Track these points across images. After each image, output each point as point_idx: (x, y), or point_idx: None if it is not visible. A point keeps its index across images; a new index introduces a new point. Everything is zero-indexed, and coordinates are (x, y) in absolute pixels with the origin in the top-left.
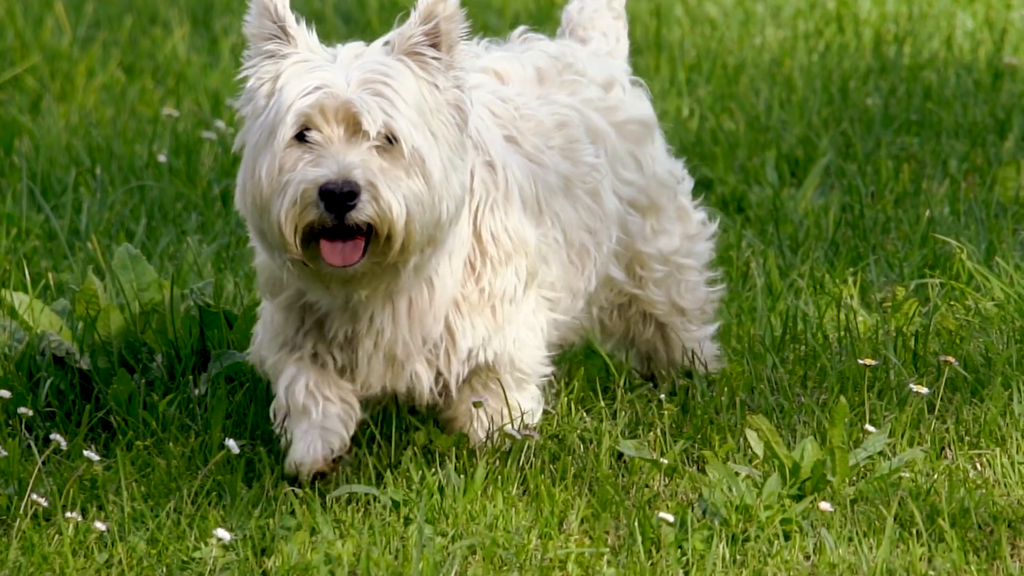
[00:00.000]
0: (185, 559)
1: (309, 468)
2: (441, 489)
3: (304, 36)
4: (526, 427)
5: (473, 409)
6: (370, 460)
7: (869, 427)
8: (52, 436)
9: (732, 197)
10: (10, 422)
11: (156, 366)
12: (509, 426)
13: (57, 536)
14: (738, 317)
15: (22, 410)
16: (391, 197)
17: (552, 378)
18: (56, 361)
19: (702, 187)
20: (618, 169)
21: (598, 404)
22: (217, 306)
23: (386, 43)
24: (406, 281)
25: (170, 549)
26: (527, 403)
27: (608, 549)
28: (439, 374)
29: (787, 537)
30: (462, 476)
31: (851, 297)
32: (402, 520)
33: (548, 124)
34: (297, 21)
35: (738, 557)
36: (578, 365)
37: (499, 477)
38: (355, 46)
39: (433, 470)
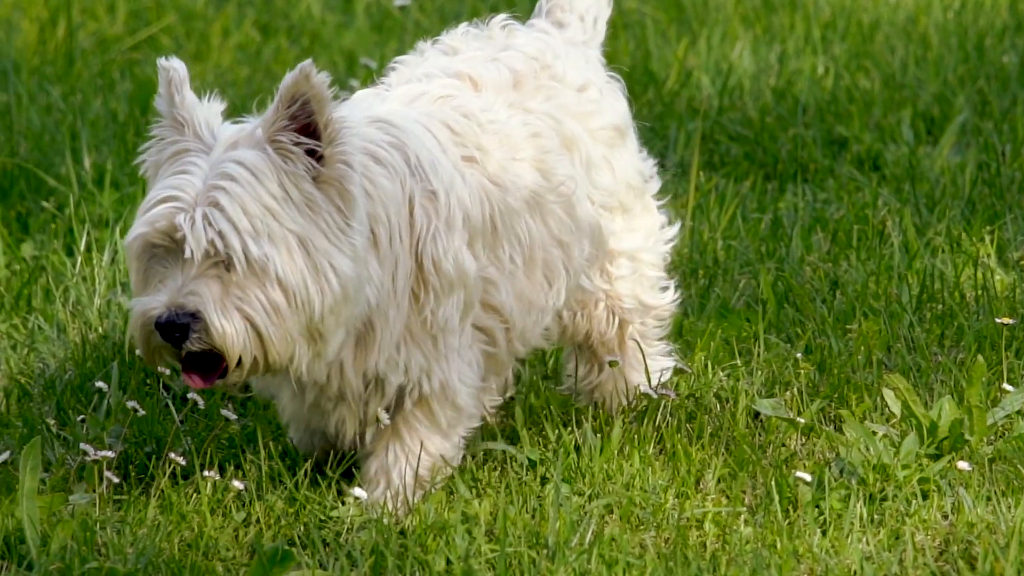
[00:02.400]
0: (323, 518)
1: None
2: (578, 448)
3: (195, 118)
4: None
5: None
6: (519, 418)
7: (1007, 386)
8: (189, 395)
9: (867, 156)
10: (148, 381)
11: None
12: (423, 474)
13: (195, 495)
14: (875, 276)
15: (160, 369)
16: (224, 324)
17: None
18: None
19: (837, 146)
20: (592, 175)
21: (735, 363)
22: None
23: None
24: (324, 359)
25: (307, 508)
26: (449, 449)
27: (745, 508)
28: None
29: (925, 496)
30: (599, 435)
31: (988, 256)
32: (539, 479)
33: (518, 136)
34: (201, 94)
35: (875, 516)
36: (716, 324)
37: (635, 436)
38: (234, 133)
39: (570, 429)
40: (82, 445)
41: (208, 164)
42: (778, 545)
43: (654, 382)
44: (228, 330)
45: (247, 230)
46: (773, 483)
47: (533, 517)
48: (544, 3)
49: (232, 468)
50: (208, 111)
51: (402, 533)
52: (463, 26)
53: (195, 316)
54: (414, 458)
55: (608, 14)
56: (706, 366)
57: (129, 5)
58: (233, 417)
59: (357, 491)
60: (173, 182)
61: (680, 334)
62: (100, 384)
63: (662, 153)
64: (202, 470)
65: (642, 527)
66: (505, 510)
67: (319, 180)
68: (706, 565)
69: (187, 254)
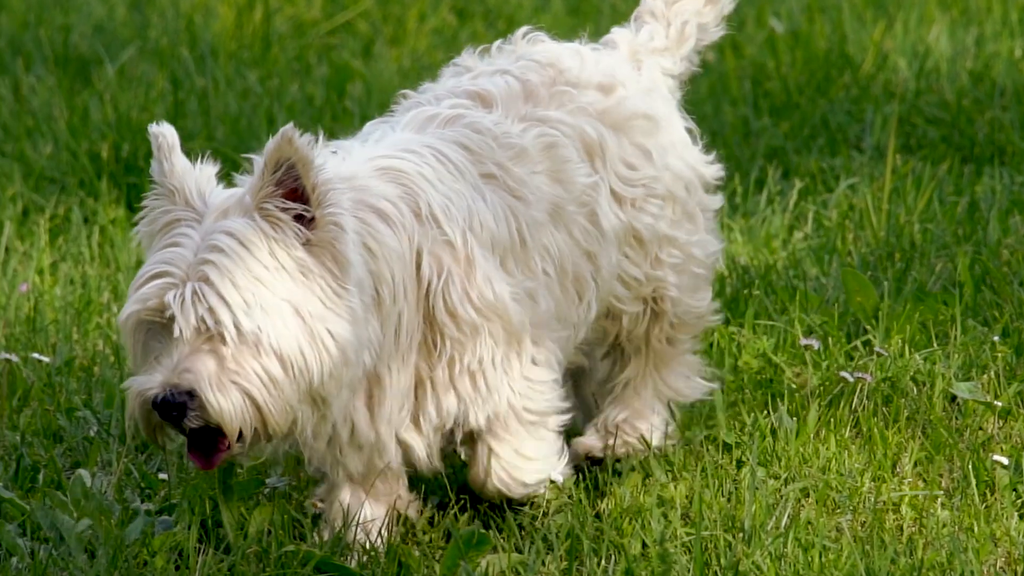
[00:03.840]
0: (518, 501)
1: None
2: (773, 432)
3: (186, 185)
4: (550, 481)
5: (486, 461)
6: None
7: None
8: None
9: None
10: None
11: None
12: (524, 476)
13: None
14: None
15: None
16: (220, 400)
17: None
18: None
19: None
20: (622, 171)
21: (931, 346)
22: None
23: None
24: (329, 420)
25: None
26: (541, 450)
27: (942, 492)
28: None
29: None
30: (795, 419)
31: None
32: (734, 463)
33: (533, 149)
34: (193, 156)
35: None
36: (913, 307)
37: (831, 420)
38: (224, 200)
39: (765, 413)
40: None
41: (199, 235)
42: (975, 529)
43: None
44: (225, 406)
45: (237, 303)
46: (970, 467)
47: (729, 501)
48: (641, 4)
49: None
50: (200, 176)
51: (598, 516)
52: (497, 43)
53: (191, 394)
54: (506, 453)
55: (714, 22)
56: (903, 349)
57: None
58: None
59: (554, 475)
60: (164, 256)
61: (876, 318)
62: None
63: (858, 136)
64: None
65: (838, 511)
66: (701, 493)
67: (311, 244)
68: (903, 549)
69: (176, 333)
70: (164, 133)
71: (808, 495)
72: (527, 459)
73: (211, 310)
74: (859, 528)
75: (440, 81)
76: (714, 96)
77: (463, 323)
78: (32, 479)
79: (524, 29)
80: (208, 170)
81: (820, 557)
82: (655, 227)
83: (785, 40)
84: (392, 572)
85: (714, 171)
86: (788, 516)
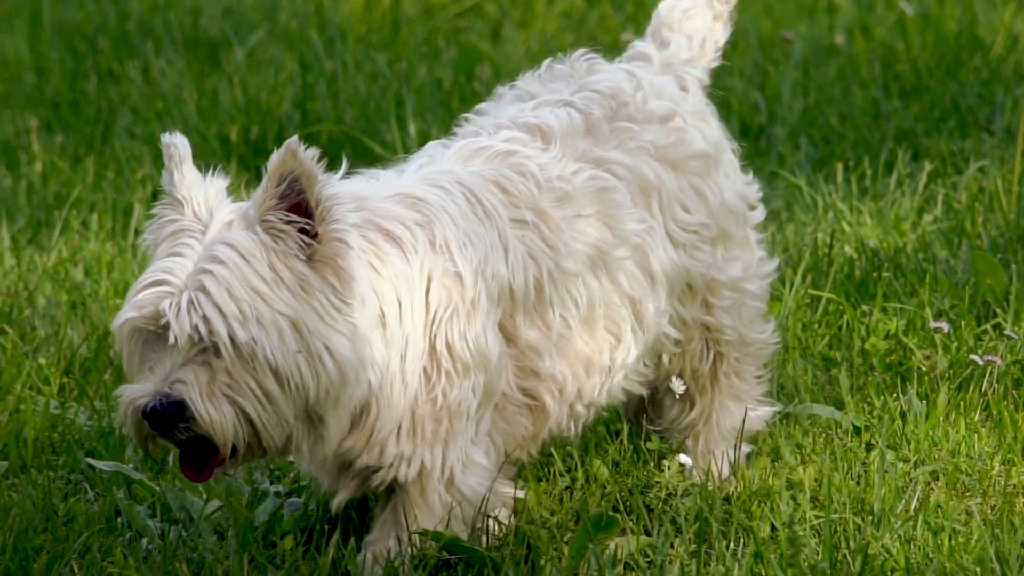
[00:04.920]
0: (646, 484)
1: None
2: (903, 415)
3: (194, 197)
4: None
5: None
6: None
7: None
8: None
9: None
10: None
11: None
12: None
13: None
14: None
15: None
16: (211, 412)
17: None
18: None
19: None
20: (678, 214)
21: None
22: None
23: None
24: (328, 442)
25: (631, 474)
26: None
27: None
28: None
29: None
30: (924, 402)
31: None
32: (863, 446)
33: (582, 193)
34: (202, 167)
35: None
36: None
37: (961, 403)
38: (229, 212)
39: (895, 396)
40: None
41: (202, 246)
42: None
43: (749, 424)
44: (216, 418)
45: (233, 314)
46: None
47: (858, 484)
48: (654, 23)
49: None
50: (209, 189)
51: (726, 499)
52: (546, 62)
53: (182, 405)
54: (404, 533)
55: (723, 38)
56: None
57: None
58: None
59: (682, 458)
60: (164, 264)
61: (1007, 301)
62: None
63: (988, 119)
64: None
65: (968, 494)
66: (830, 476)
67: (313, 258)
68: None
69: (171, 340)
70: (176, 143)
71: (938, 478)
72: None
73: (206, 319)
74: (989, 512)
75: (500, 104)
76: (843, 79)
77: (459, 360)
78: (162, 460)
79: (581, 51)
80: (218, 183)
81: (949, 540)
82: (705, 273)
83: (915, 22)
84: (520, 554)
85: (753, 191)
86: (917, 499)
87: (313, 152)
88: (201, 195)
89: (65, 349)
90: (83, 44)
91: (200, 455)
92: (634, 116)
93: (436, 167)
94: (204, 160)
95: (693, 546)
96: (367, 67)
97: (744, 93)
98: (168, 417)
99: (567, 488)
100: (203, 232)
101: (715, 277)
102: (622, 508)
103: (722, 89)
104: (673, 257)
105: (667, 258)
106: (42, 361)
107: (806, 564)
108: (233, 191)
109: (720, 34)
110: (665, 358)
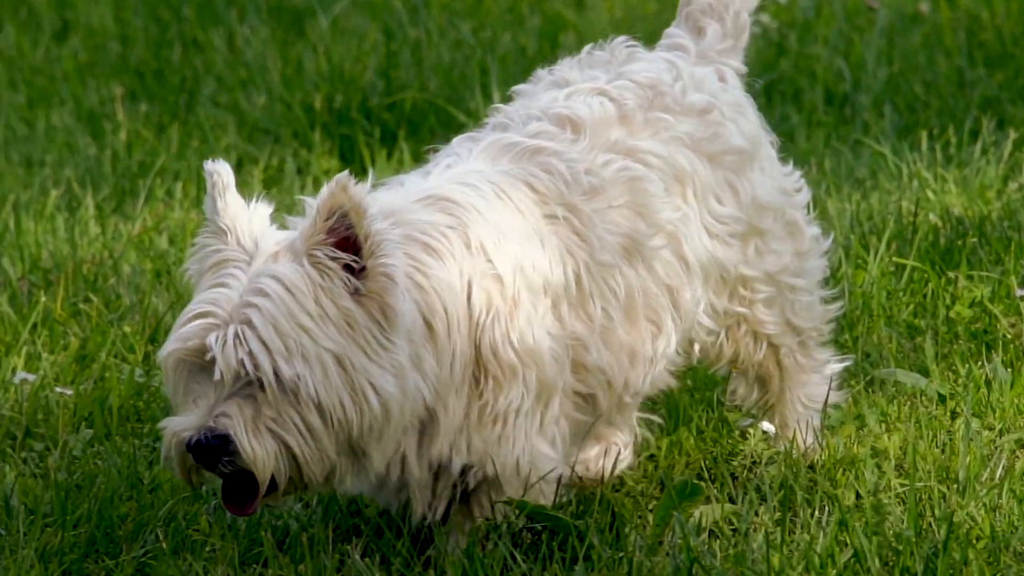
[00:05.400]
0: (731, 452)
1: None
2: (988, 383)
3: (238, 226)
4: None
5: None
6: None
7: None
8: None
9: None
10: None
11: None
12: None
13: None
14: None
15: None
16: (255, 446)
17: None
18: None
19: None
20: (712, 205)
21: None
22: None
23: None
24: (371, 472)
25: (717, 444)
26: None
27: None
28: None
29: None
30: (1009, 369)
31: None
32: (948, 414)
33: (613, 184)
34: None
35: None
36: None
37: None
38: (276, 242)
39: (980, 364)
40: None
41: (247, 277)
42: None
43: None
44: (259, 452)
45: (279, 350)
46: None
47: (943, 452)
48: (682, 7)
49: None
50: (253, 216)
51: (811, 468)
52: (587, 48)
53: (226, 439)
54: (487, 507)
55: (753, 4)
56: None
57: None
58: None
59: (765, 425)
60: (209, 296)
61: None
62: None
63: None
64: None
65: None
66: (915, 444)
67: (359, 295)
68: None
69: (216, 375)
70: (220, 171)
71: (1023, 446)
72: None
73: (251, 354)
74: None
75: (535, 89)
76: (928, 47)
77: (504, 364)
78: None
79: (622, 39)
80: (262, 210)
81: None
82: (736, 267)
83: None
84: (605, 522)
85: (793, 180)
86: (1003, 467)
87: (363, 187)
88: (245, 223)
89: (150, 317)
90: (167, 12)
91: (243, 488)
92: (671, 107)
93: (464, 167)
94: (289, 128)
95: (777, 514)
96: (451, 35)
97: (829, 61)
98: (212, 451)
99: (652, 456)
100: (248, 262)
101: (744, 272)
102: (707, 476)
103: (807, 57)
104: (708, 246)
105: (701, 247)
106: (127, 329)
107: (891, 532)
108: (318, 159)
109: (745, 24)
110: (709, 339)
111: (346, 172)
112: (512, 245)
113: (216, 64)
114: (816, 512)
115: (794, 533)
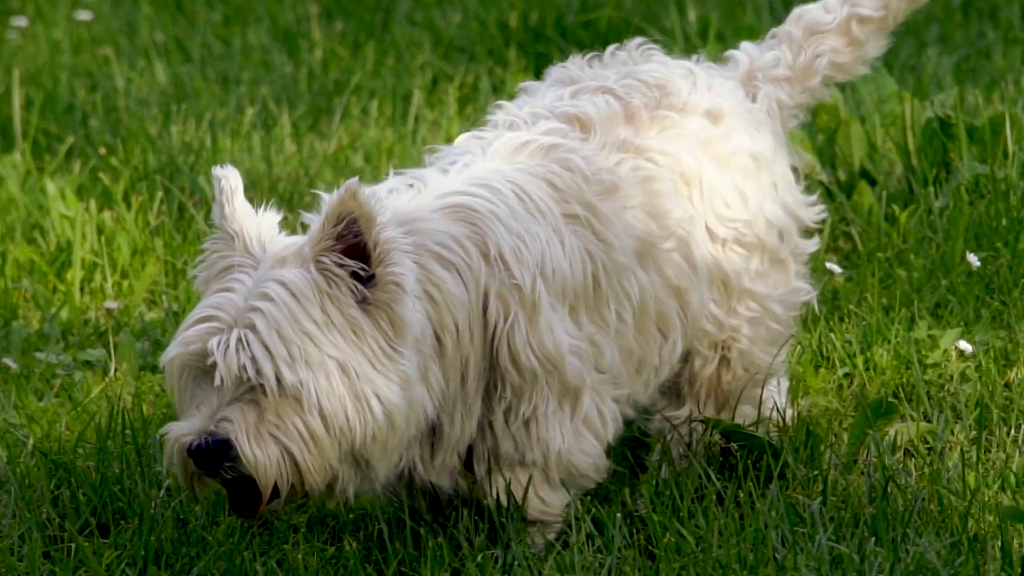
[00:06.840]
0: (928, 364)
1: None
2: None
3: (245, 231)
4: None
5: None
6: None
7: None
8: None
9: None
10: None
11: (896, 178)
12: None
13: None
14: None
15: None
16: (256, 452)
17: None
18: None
19: None
20: (719, 208)
21: None
22: (957, 118)
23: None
24: (375, 482)
25: (911, 359)
26: (558, 500)
27: None
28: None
29: None
30: None
31: None
32: None
33: (627, 184)
34: (255, 201)
35: None
36: None
37: None
38: (283, 248)
39: None
40: None
41: (253, 281)
42: None
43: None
44: (260, 458)
45: (281, 356)
46: None
47: None
48: (786, 24)
49: (836, 321)
50: (262, 222)
51: (1007, 386)
52: (610, 48)
53: (227, 444)
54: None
55: (853, 63)
56: None
57: None
58: (838, 270)
59: (962, 344)
60: (214, 300)
61: None
62: None
63: None
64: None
65: None
66: None
67: (367, 303)
68: None
69: (217, 380)
70: (227, 176)
71: None
72: (544, 504)
73: (254, 359)
74: None
75: (541, 87)
76: None
77: (524, 370)
78: None
79: (638, 41)
80: (270, 217)
81: None
82: (738, 277)
83: None
84: (800, 440)
85: (813, 213)
86: None
87: (373, 193)
88: (253, 229)
89: None
90: None
91: (246, 494)
92: (677, 106)
93: (482, 165)
94: (484, 46)
95: (973, 432)
96: None
97: None
98: (213, 456)
99: (847, 375)
100: (254, 267)
101: (746, 285)
102: (902, 394)
103: None
104: (711, 250)
105: (707, 250)
106: None
107: None
108: (513, 77)
109: (849, 59)
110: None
111: (355, 179)
112: (533, 251)
113: None
114: (1012, 431)
115: (990, 452)
